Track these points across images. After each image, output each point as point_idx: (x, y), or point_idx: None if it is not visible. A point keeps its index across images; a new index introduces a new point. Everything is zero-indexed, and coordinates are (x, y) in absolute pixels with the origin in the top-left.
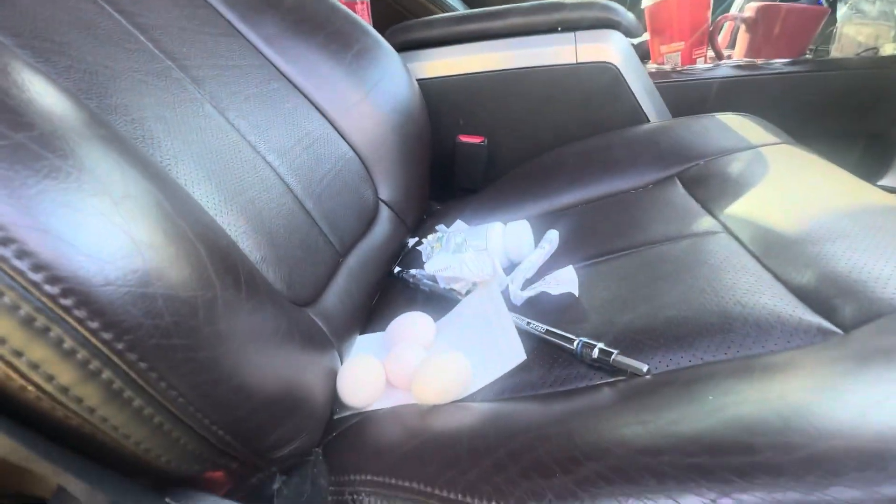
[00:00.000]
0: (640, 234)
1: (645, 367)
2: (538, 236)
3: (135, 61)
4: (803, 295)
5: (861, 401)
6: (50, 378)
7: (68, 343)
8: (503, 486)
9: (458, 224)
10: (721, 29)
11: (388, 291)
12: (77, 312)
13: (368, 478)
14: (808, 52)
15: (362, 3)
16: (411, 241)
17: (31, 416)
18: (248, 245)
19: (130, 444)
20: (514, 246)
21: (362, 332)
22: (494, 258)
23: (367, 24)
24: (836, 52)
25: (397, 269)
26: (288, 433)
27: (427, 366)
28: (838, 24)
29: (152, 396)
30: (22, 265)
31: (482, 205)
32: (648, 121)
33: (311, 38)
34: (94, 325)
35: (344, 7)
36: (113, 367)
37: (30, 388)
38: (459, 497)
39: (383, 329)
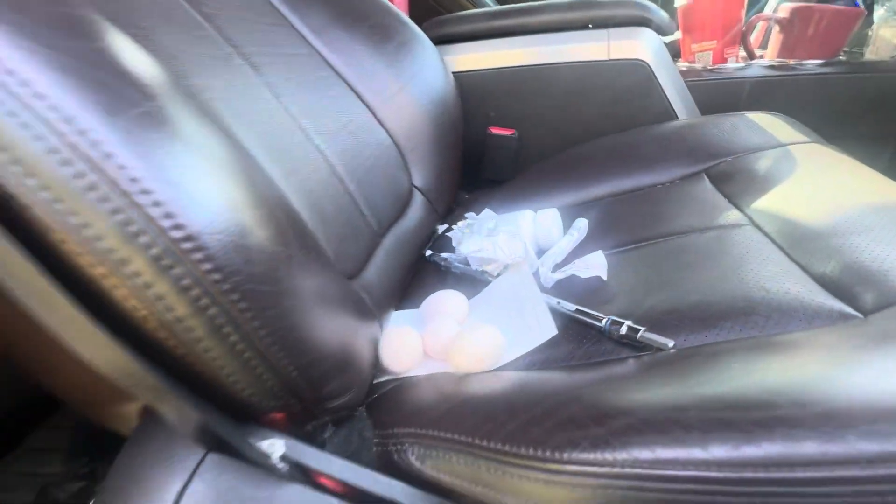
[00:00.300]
0: (667, 225)
1: (671, 343)
2: (566, 226)
3: (203, 47)
4: (826, 283)
5: (876, 371)
6: (169, 309)
7: (186, 281)
8: (540, 437)
9: (487, 212)
10: (754, 29)
11: (420, 274)
12: (195, 255)
13: (411, 430)
14: (841, 53)
15: None
16: (441, 228)
17: (145, 346)
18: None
19: (223, 375)
20: (544, 233)
21: (397, 310)
22: (526, 241)
23: (405, 16)
24: (870, 54)
25: (428, 252)
26: (340, 386)
27: (463, 335)
28: (874, 26)
29: (245, 334)
30: (156, 212)
31: (510, 194)
32: (678, 118)
33: (355, 30)
34: (207, 266)
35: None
36: (218, 305)
37: (152, 318)
38: (499, 446)
39: (416, 308)
